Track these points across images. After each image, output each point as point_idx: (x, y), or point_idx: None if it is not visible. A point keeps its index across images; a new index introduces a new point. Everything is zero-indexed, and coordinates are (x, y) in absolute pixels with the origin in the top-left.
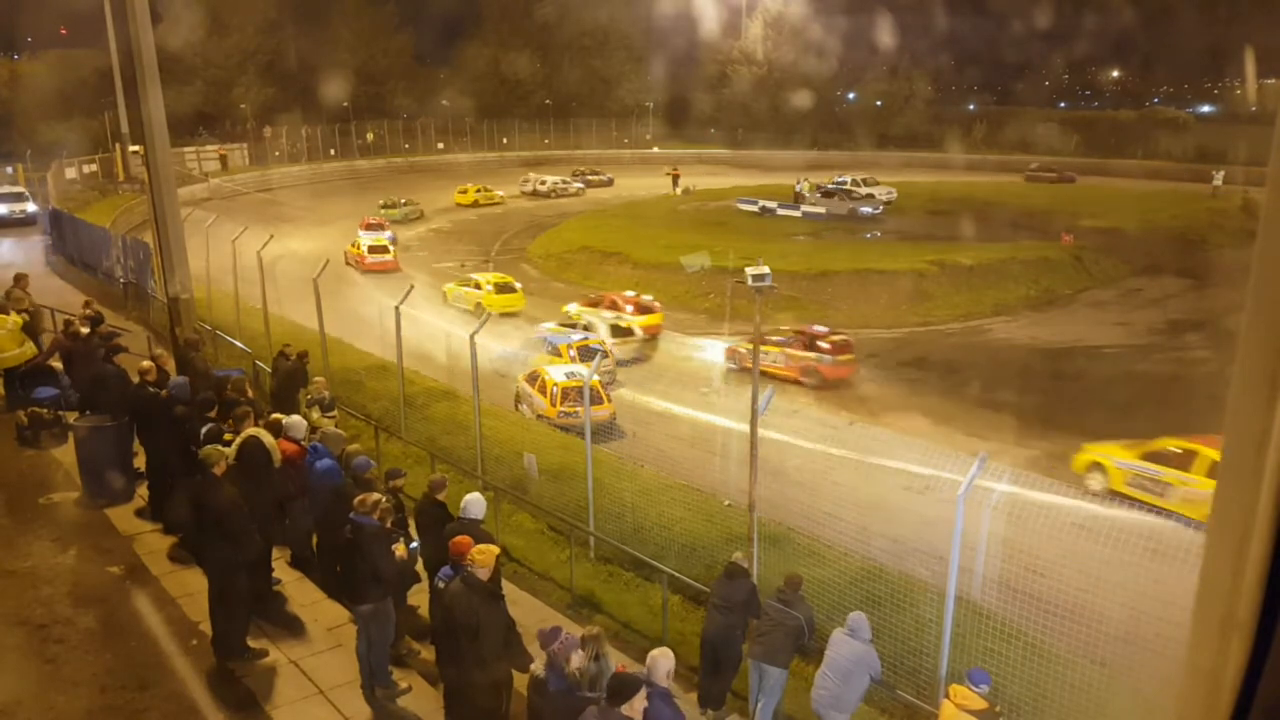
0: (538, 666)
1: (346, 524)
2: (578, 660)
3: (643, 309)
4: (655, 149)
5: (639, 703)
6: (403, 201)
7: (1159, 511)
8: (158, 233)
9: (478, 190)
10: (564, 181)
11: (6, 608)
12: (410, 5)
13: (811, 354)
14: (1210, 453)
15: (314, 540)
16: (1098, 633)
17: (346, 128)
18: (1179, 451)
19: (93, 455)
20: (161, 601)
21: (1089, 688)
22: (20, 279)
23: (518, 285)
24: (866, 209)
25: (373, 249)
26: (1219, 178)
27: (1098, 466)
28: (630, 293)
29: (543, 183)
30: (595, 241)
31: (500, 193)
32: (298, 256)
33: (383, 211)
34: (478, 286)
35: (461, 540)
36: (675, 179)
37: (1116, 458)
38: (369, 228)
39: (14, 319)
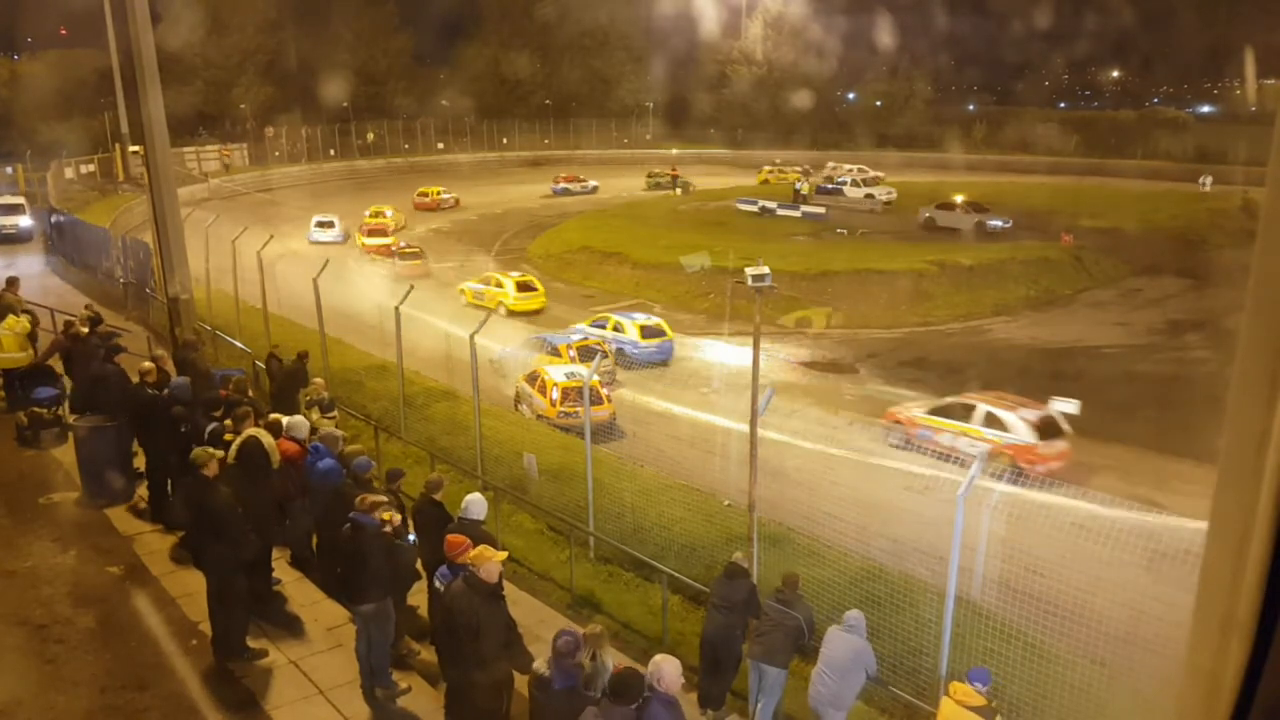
0: (540, 664)
1: (347, 524)
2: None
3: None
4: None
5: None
6: (665, 174)
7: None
8: (158, 233)
9: (769, 172)
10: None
11: (6, 608)
12: (410, 5)
13: (395, 257)
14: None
15: (314, 540)
16: (1097, 632)
17: (346, 128)
18: (492, 277)
19: (93, 455)
20: (161, 601)
21: (1089, 687)
22: (12, 282)
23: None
24: (998, 222)
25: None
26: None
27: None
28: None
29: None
30: (595, 241)
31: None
32: (298, 256)
33: (646, 180)
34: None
35: (455, 539)
36: (675, 179)
37: (472, 284)
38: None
39: (22, 323)
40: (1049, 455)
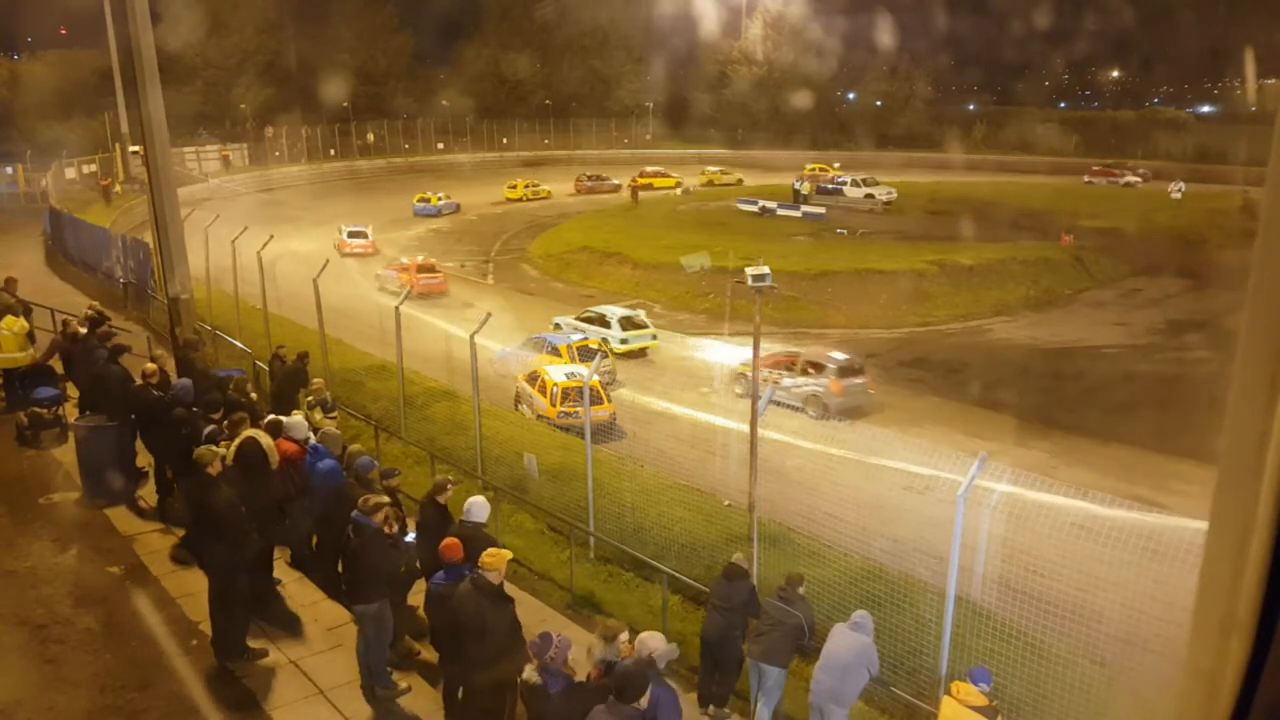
0: (530, 672)
1: (347, 524)
2: (609, 653)
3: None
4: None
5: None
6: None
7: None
8: (158, 233)
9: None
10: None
11: (6, 608)
12: (410, 5)
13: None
14: None
15: (314, 540)
16: (1097, 632)
17: (346, 128)
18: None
19: (93, 455)
20: (161, 602)
21: (1089, 687)
22: (9, 282)
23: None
24: None
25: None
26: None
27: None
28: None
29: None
30: (595, 241)
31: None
32: (298, 256)
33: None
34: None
35: (451, 544)
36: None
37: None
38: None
39: (21, 323)
40: (421, 280)
